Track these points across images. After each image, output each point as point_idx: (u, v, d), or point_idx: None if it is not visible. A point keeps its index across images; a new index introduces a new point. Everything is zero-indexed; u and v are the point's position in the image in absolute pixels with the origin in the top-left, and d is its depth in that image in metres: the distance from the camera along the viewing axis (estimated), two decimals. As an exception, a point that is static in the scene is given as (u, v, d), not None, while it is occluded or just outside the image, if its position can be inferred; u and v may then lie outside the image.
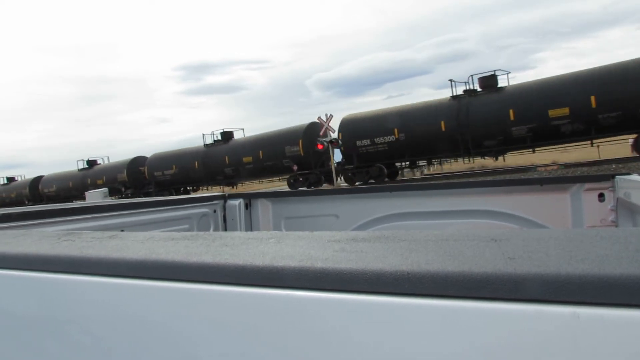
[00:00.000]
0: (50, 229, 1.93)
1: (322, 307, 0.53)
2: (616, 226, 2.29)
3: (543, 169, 16.77)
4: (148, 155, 30.60)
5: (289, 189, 21.14)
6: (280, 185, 29.46)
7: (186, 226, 2.77)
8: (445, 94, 19.48)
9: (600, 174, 2.45)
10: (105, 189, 28.69)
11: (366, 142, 20.36)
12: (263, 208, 3.10)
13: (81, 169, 33.32)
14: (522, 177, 12.63)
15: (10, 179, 40.55)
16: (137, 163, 30.17)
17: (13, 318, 0.80)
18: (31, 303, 0.78)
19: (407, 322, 0.49)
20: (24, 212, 1.96)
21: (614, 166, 14.56)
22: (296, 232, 0.79)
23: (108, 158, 33.87)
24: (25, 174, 40.73)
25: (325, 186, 20.92)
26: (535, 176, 11.44)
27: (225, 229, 3.04)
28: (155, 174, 28.28)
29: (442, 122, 18.51)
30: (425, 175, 25.18)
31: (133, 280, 0.67)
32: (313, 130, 21.95)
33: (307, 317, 0.54)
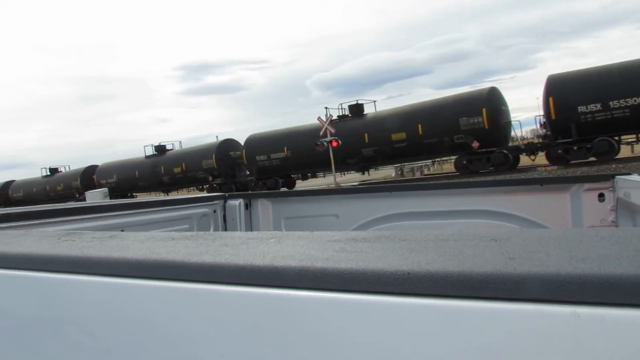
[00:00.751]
0: (50, 229, 1.93)
1: (323, 307, 0.53)
2: (616, 226, 2.29)
3: (543, 168, 16.75)
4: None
5: (456, 173, 18.54)
6: (438, 170, 22.35)
7: (186, 226, 2.77)
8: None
9: (600, 174, 2.45)
10: (105, 189, 25.91)
11: (595, 106, 15.04)
12: (263, 208, 3.10)
13: (149, 156, 27.95)
14: (522, 177, 12.63)
15: (54, 170, 34.93)
16: (227, 146, 25.20)
17: (13, 318, 0.80)
18: (31, 303, 0.78)
19: (407, 322, 0.49)
20: (24, 212, 1.96)
21: (614, 166, 14.55)
22: (296, 232, 0.79)
23: (180, 143, 28.63)
24: (70, 165, 35.38)
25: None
26: (535, 176, 11.45)
27: (226, 229, 3.04)
28: (258, 158, 23.09)
29: None
30: (425, 175, 25.09)
31: (133, 280, 0.67)
32: (498, 98, 17.89)
33: (307, 317, 0.54)
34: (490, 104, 17.50)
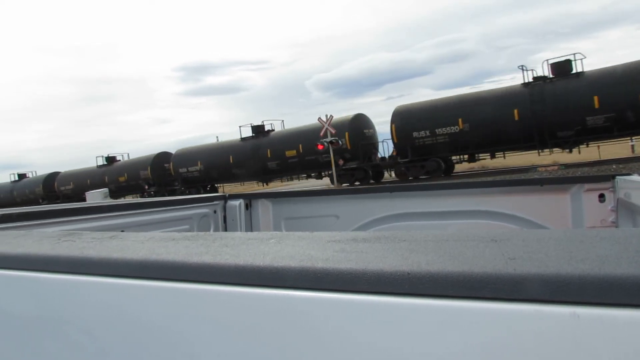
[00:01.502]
0: (50, 230, 1.93)
1: (323, 307, 0.53)
2: (616, 227, 2.29)
3: (543, 169, 16.73)
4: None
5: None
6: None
7: (186, 227, 2.77)
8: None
9: (600, 175, 2.45)
10: (105, 190, 24.96)
11: None
12: (263, 209, 3.10)
13: (245, 138, 22.59)
14: (523, 177, 12.62)
15: (111, 159, 29.40)
16: (360, 123, 19.98)
17: (13, 318, 0.80)
18: (31, 303, 0.78)
19: (407, 322, 0.49)
20: (24, 212, 1.96)
21: (614, 166, 14.53)
22: (296, 233, 0.79)
23: (283, 122, 23.17)
24: (128, 156, 29.17)
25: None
26: (536, 176, 11.42)
27: (226, 230, 3.04)
28: (415, 135, 17.99)
29: None
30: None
31: (133, 280, 0.67)
32: None
33: (307, 317, 0.54)
34: None
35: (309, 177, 22.50)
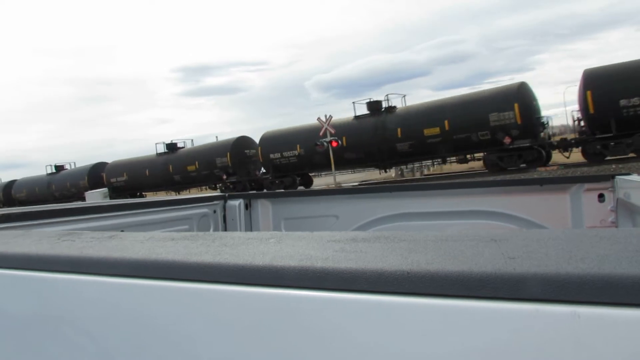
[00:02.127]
0: (50, 229, 1.93)
1: (322, 306, 0.53)
2: (616, 227, 2.29)
3: (543, 169, 16.73)
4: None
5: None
6: None
7: (186, 226, 2.77)
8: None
9: (600, 175, 2.45)
10: (105, 190, 24.16)
11: None
12: (263, 208, 3.10)
13: (360, 116, 18.65)
14: (522, 177, 12.60)
15: (172, 146, 25.05)
16: (529, 93, 16.00)
17: (13, 318, 0.80)
18: (31, 303, 0.78)
19: (407, 321, 0.49)
20: (24, 212, 1.96)
21: (613, 166, 14.53)
22: (296, 232, 0.79)
23: (404, 98, 18.71)
24: (192, 142, 24.92)
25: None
26: (535, 176, 11.40)
27: (225, 230, 3.04)
28: (624, 103, 13.92)
29: None
30: (425, 175, 24.99)
31: (133, 279, 0.67)
32: None
33: (307, 316, 0.54)
34: None
35: (444, 161, 18.31)
